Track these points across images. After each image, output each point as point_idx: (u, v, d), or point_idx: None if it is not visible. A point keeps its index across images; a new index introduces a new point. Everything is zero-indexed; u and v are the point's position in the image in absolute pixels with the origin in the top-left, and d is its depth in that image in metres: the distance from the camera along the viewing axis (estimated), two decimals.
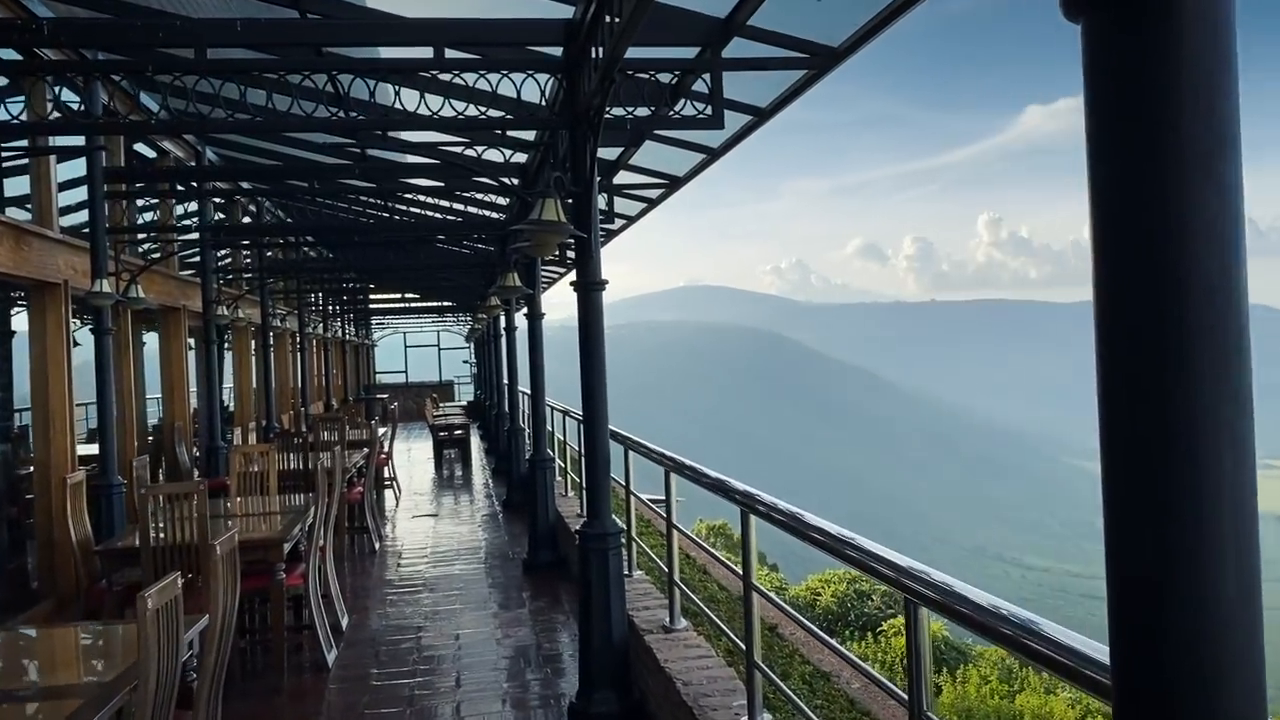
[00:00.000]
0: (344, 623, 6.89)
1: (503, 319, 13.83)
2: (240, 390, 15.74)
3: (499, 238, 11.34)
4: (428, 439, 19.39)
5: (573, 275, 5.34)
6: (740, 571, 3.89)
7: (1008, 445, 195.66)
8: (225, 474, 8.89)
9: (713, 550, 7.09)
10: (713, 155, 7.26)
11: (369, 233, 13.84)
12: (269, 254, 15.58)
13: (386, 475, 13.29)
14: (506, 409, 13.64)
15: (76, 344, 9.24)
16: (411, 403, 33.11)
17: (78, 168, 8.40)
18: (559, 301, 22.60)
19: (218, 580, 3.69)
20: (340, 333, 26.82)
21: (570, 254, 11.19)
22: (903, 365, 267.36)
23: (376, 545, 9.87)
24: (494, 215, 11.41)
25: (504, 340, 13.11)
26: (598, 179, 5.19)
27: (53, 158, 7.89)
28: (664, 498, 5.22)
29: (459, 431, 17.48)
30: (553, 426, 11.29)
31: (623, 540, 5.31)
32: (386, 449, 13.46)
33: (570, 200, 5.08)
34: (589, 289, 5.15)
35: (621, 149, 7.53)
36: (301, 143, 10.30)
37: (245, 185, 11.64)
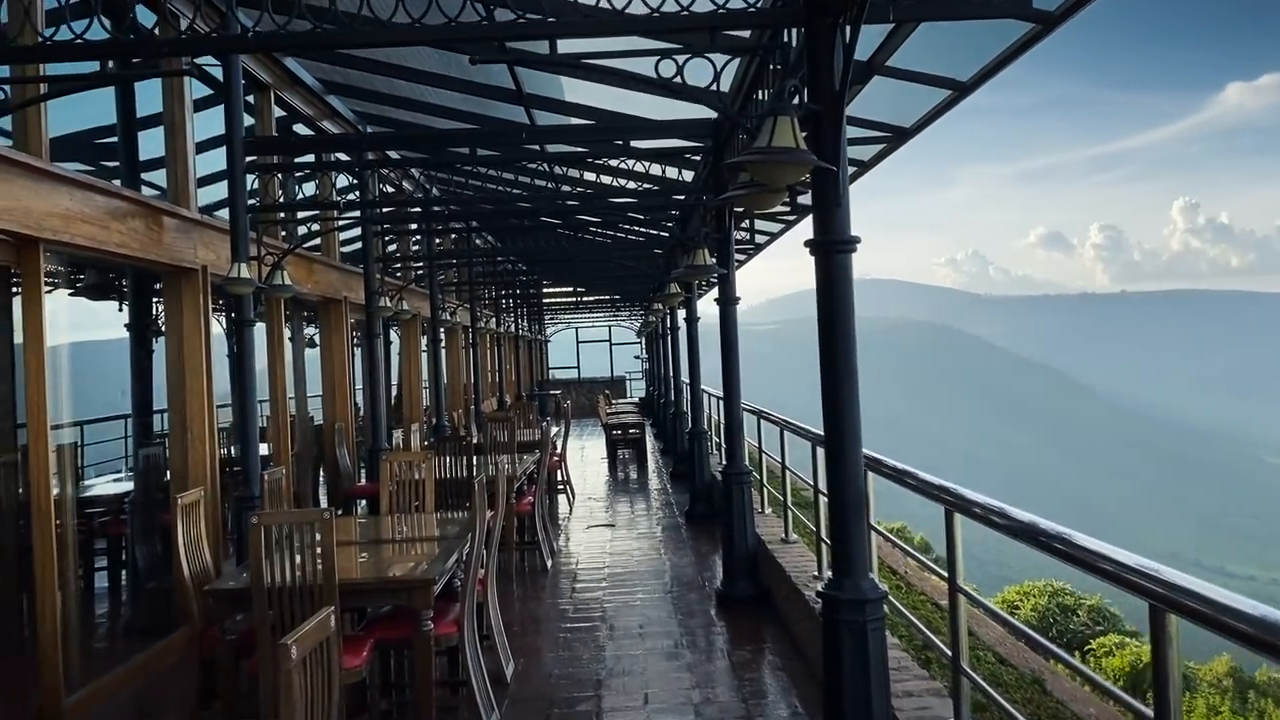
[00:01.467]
0: (508, 671, 5.65)
1: (680, 312, 13.19)
2: (409, 388, 15.13)
3: (682, 215, 10.53)
4: (600, 437, 18.53)
5: (793, 237, 5.81)
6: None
7: (1205, 444, 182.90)
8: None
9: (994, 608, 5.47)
10: (961, 90, 5.57)
11: (537, 214, 12.99)
12: (437, 243, 14.82)
13: (560, 479, 12.26)
14: (686, 408, 13.06)
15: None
16: (584, 399, 32.78)
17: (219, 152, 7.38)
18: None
19: (290, 689, 2.42)
20: (513, 328, 26.37)
21: (773, 220, 10.42)
22: (1090, 361, 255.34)
23: (548, 562, 8.71)
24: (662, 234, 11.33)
25: (683, 332, 12.30)
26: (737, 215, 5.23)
27: (190, 124, 7.04)
28: (940, 546, 3.86)
29: (634, 431, 16.36)
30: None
31: (884, 608, 3.77)
32: (560, 450, 12.40)
33: (714, 244, 4.92)
34: (832, 250, 3.69)
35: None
36: (459, 114, 9.64)
37: (393, 154, 10.58)
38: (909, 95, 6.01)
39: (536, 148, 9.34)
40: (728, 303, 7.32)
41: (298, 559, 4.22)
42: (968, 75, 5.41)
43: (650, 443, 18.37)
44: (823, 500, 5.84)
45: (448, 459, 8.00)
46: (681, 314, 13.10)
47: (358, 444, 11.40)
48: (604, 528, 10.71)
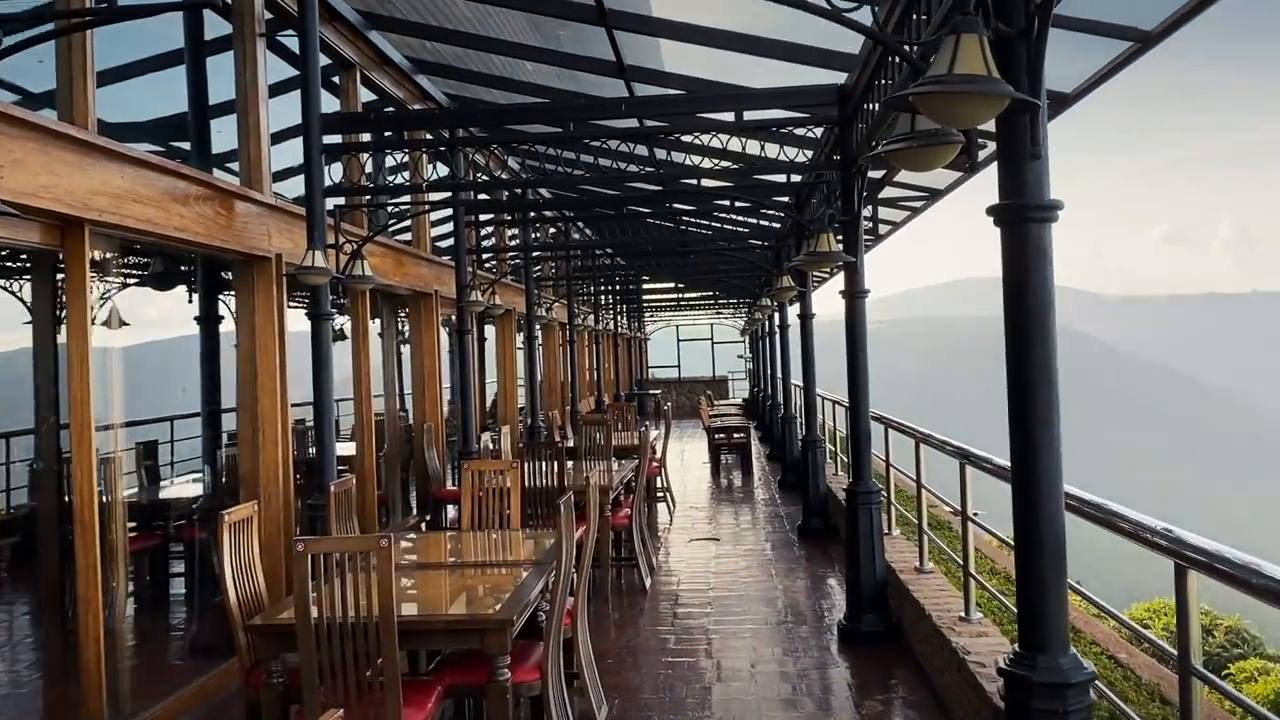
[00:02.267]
0: (600, 716, 4.90)
1: (793, 308, 13.05)
2: (504, 387, 14.63)
3: (775, 248, 11.70)
4: (701, 439, 17.75)
5: (838, 283, 6.30)
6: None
7: None
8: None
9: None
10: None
11: (637, 197, 12.45)
12: (534, 236, 14.20)
13: (659, 486, 11.51)
14: (796, 413, 12.79)
15: (342, 337, 8.41)
16: (684, 398, 32.20)
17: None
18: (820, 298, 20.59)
19: None
20: (611, 325, 25.79)
21: (896, 208, 10.85)
22: (1219, 364, 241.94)
23: (647, 581, 7.91)
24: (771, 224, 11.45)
25: (795, 330, 11.68)
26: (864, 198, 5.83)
27: (263, 105, 6.51)
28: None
29: (738, 435, 15.44)
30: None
31: (1091, 693, 2.92)
32: (660, 454, 11.66)
33: (839, 227, 6.22)
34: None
35: (882, 172, 7.32)
36: (553, 91, 9.31)
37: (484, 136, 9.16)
38: (1075, 52, 5.03)
39: (635, 123, 8.55)
40: (855, 295, 6.39)
41: (349, 593, 3.54)
42: (1153, 24, 4.45)
43: (755, 447, 17.46)
44: (972, 528, 5.14)
45: (539, 464, 7.30)
46: (793, 310, 12.52)
47: (449, 444, 10.88)
48: (708, 541, 9.89)
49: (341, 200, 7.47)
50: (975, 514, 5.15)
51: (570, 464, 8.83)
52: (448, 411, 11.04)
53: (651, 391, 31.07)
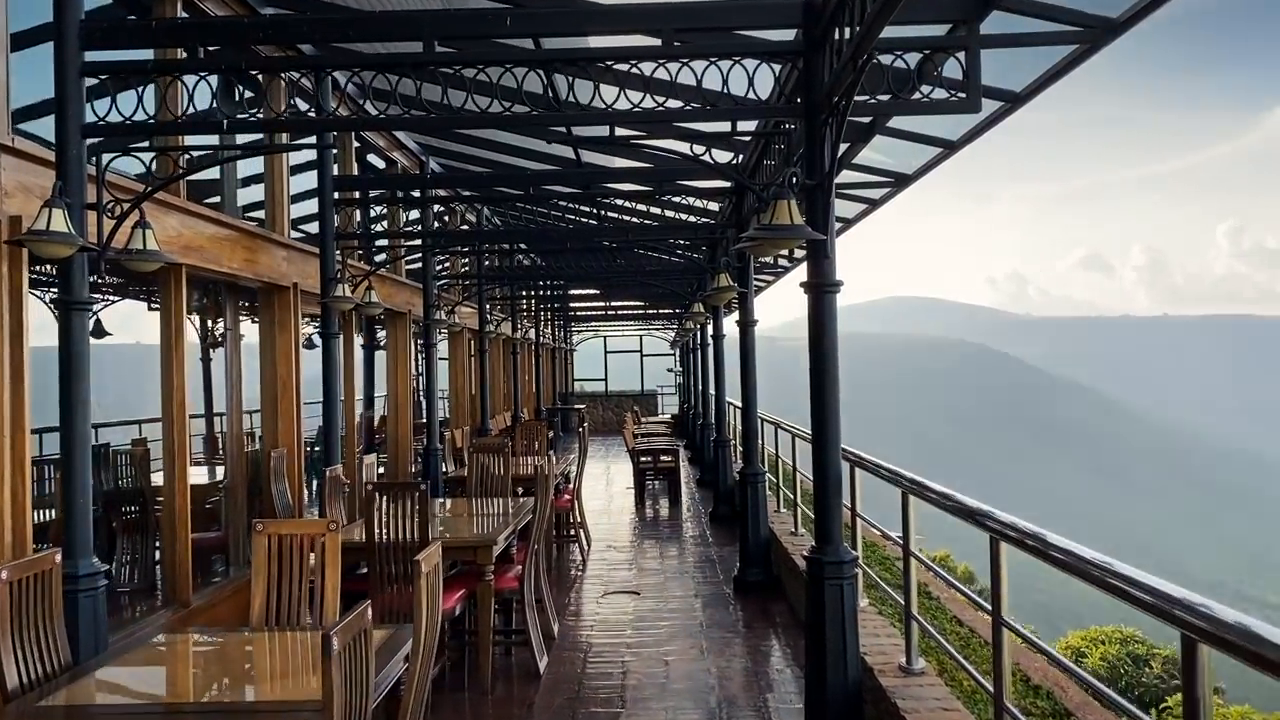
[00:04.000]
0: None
1: (709, 329, 13.19)
2: (395, 402, 12.70)
3: (709, 242, 11.47)
4: (628, 457, 15.83)
5: (794, 276, 6.38)
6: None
7: (1249, 472, 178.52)
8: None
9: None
10: (950, 148, 6.65)
11: (579, 237, 14.06)
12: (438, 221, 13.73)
13: (572, 520, 9.76)
14: (739, 441, 11.81)
15: (312, 346, 9.54)
16: (611, 414, 30.53)
17: (307, 181, 8.94)
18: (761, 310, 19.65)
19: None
20: (533, 334, 23.88)
21: (784, 259, 11.96)
22: (1131, 384, 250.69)
23: (541, 663, 6.11)
24: (702, 220, 11.40)
25: (711, 349, 12.73)
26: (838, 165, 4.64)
27: (286, 167, 8.36)
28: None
29: (667, 459, 13.74)
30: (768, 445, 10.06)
31: (857, 570, 4.70)
32: (573, 485, 9.91)
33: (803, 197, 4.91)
34: (823, 291, 4.70)
35: (847, 145, 6.74)
36: (517, 149, 10.58)
37: (464, 192, 12.51)
38: (910, 148, 6.96)
39: (585, 186, 10.72)
40: (746, 325, 8.38)
41: None
42: (956, 136, 6.43)
43: (685, 469, 15.80)
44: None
45: (403, 505, 5.44)
46: (731, 318, 13.09)
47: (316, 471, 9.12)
48: (626, 595, 8.15)
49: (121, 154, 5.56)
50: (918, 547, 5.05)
51: (447, 505, 7.06)
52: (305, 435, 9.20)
53: (576, 406, 29.27)
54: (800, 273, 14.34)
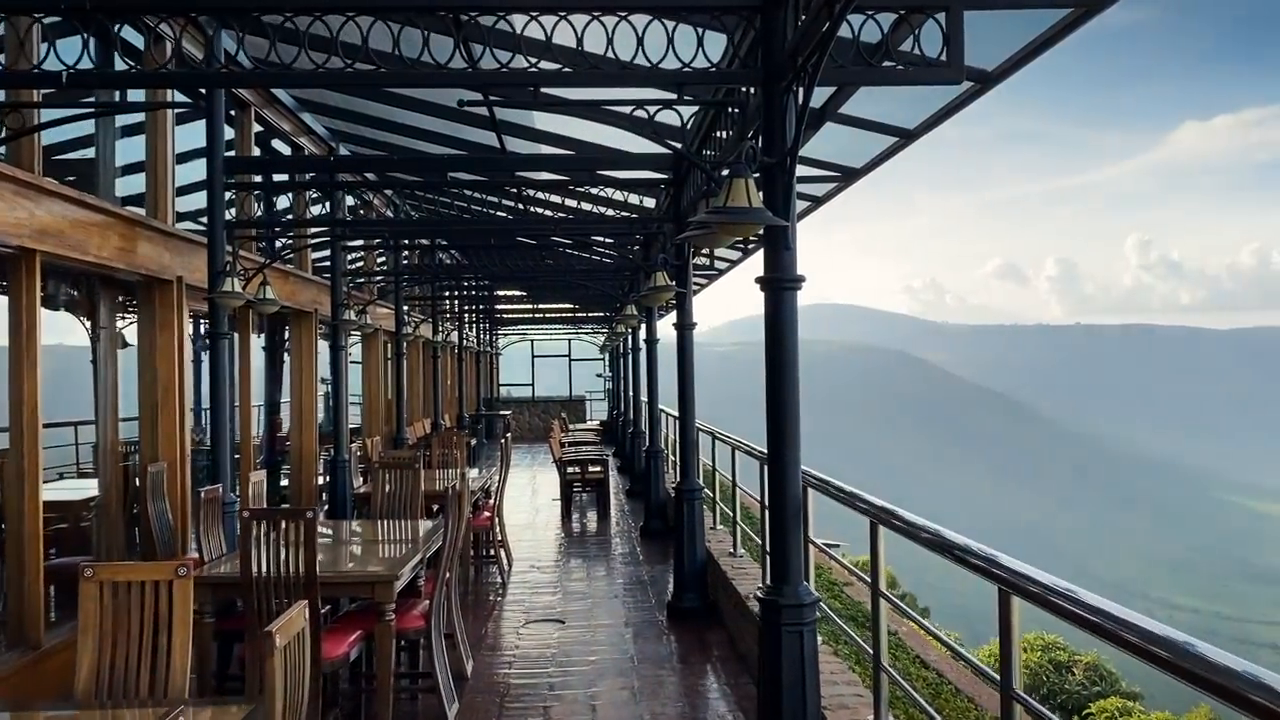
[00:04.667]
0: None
1: (641, 333, 12.82)
2: (300, 409, 11.75)
3: (644, 239, 10.79)
4: (555, 469, 15.04)
5: (743, 272, 6.31)
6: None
7: (1155, 477, 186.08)
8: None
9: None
10: (907, 138, 6.14)
11: (502, 233, 13.09)
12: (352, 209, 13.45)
13: (493, 538, 9.00)
14: (676, 456, 11.14)
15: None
16: (538, 420, 29.65)
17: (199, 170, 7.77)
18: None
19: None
20: (456, 336, 22.92)
21: (728, 254, 11.36)
22: (1044, 390, 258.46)
23: (450, 710, 5.33)
24: (635, 217, 10.88)
25: (644, 354, 12.40)
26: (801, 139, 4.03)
27: (170, 147, 7.52)
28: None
29: (594, 469, 13.02)
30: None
31: (817, 612, 4.04)
32: (494, 503, 9.16)
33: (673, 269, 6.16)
34: (781, 287, 4.01)
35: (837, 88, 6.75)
36: (435, 135, 9.80)
37: (372, 177, 11.20)
38: (861, 138, 6.41)
39: (508, 174, 9.58)
40: (684, 327, 7.57)
41: None
42: (914, 124, 5.90)
43: (614, 479, 15.10)
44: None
45: (280, 535, 4.61)
46: (642, 334, 12.87)
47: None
48: (549, 624, 7.41)
49: None
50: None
51: (353, 527, 6.27)
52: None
53: (502, 412, 28.34)
54: (737, 275, 13.55)
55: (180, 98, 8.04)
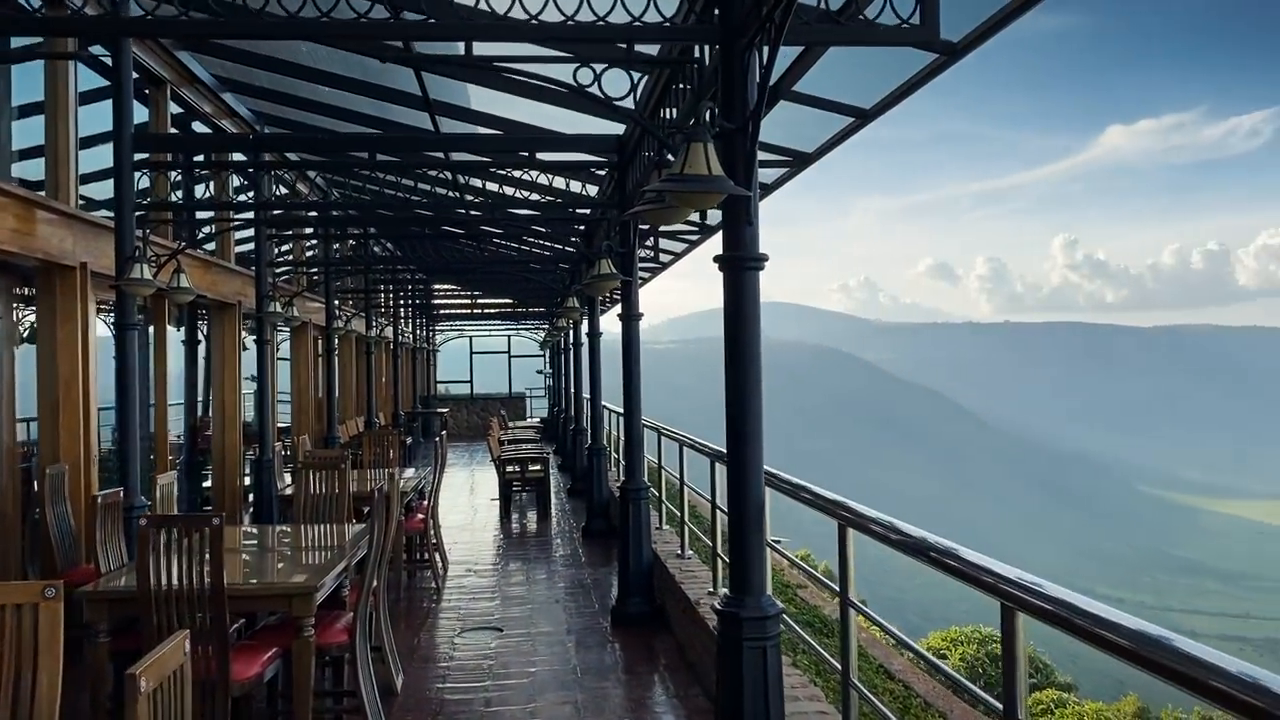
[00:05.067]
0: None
1: (583, 326, 12.77)
2: (222, 407, 11.12)
3: (585, 230, 10.60)
4: (494, 468, 14.54)
5: (695, 257, 6.59)
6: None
7: (1082, 471, 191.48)
8: None
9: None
10: (863, 118, 5.80)
11: (440, 222, 12.34)
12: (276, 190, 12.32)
13: (428, 541, 8.54)
14: (619, 453, 11.41)
15: None
16: (476, 418, 29.02)
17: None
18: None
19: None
20: (391, 331, 22.26)
21: (676, 237, 11.06)
22: (974, 387, 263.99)
23: None
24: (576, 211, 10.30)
25: (585, 348, 12.65)
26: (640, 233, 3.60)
27: (73, 121, 6.97)
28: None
29: (534, 468, 12.59)
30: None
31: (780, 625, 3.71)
32: (429, 504, 8.71)
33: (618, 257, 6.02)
34: (743, 266, 3.65)
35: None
36: (366, 118, 9.31)
37: (293, 156, 10.53)
38: (813, 121, 6.15)
39: (441, 155, 8.95)
40: (630, 318, 7.22)
41: None
42: (871, 103, 5.59)
43: (555, 478, 14.68)
44: (720, 516, 5.73)
45: (186, 542, 4.13)
46: (584, 328, 12.86)
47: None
48: (486, 632, 6.99)
49: None
50: (723, 508, 4.82)
51: (277, 533, 5.82)
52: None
53: (439, 410, 27.67)
54: (677, 271, 13.24)
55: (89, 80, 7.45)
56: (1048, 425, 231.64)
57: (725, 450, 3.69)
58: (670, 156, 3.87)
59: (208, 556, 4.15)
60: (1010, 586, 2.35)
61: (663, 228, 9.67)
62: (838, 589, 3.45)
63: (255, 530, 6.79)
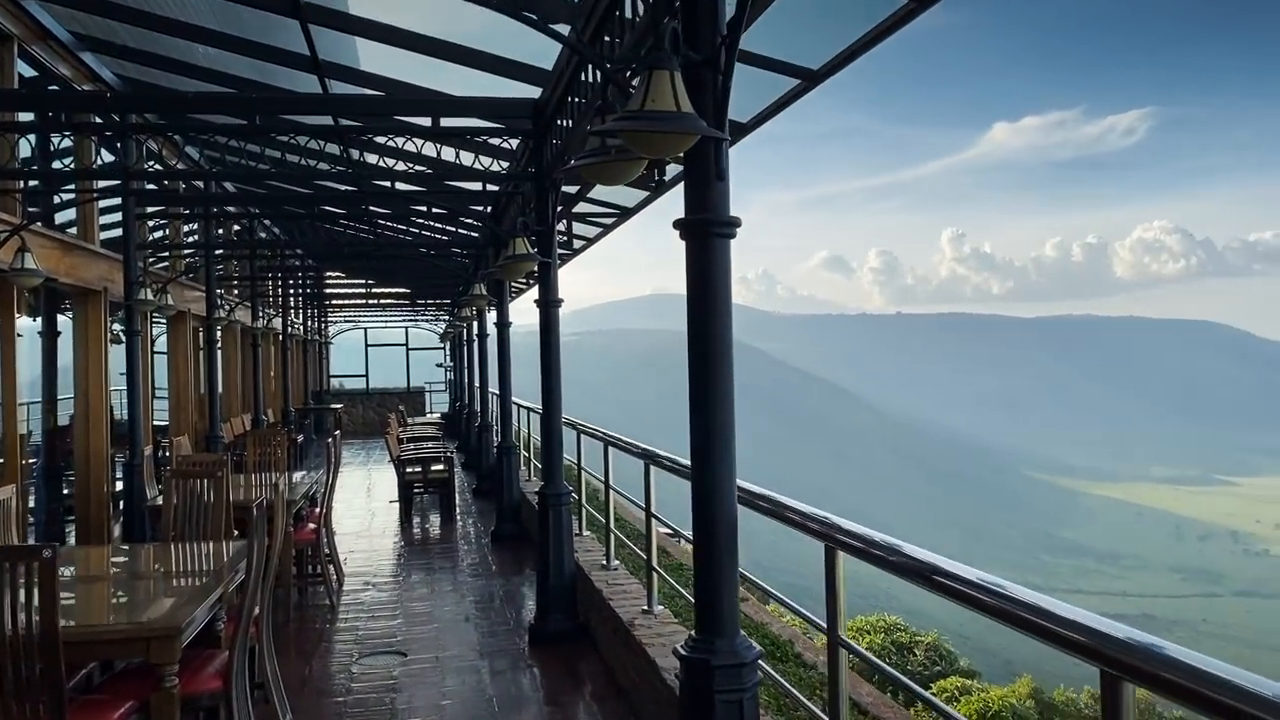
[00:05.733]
0: None
1: (490, 315, 12.42)
2: (85, 403, 9.98)
3: (496, 211, 10.11)
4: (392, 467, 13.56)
5: (535, 294, 6.19)
6: None
7: (970, 457, 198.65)
8: None
9: None
10: (811, 80, 5.37)
11: (329, 200, 11.46)
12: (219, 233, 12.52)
13: (320, 552, 7.70)
14: (532, 454, 12.31)
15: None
16: (373, 413, 27.87)
17: None
18: (526, 307, 18.55)
19: None
20: (280, 323, 21.00)
21: (589, 224, 10.76)
22: (868, 377, 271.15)
23: None
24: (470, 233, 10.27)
25: (492, 339, 12.33)
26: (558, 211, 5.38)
27: None
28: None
29: (437, 468, 11.75)
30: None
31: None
32: (323, 510, 7.87)
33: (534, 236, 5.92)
34: (710, 232, 3.04)
35: (579, 186, 7.36)
36: (242, 83, 8.44)
37: (150, 118, 8.54)
38: (755, 83, 5.50)
39: (330, 120, 8.00)
40: (550, 304, 6.49)
41: None
42: (820, 62, 5.08)
43: (459, 476, 13.86)
44: (656, 525, 5.45)
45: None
46: (491, 318, 12.27)
47: None
48: (389, 657, 6.22)
49: None
50: (658, 515, 5.21)
51: (145, 552, 4.99)
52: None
53: (333, 406, 26.41)
54: (577, 262, 12.52)
55: None
56: (940, 413, 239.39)
57: (690, 463, 3.06)
58: (605, 115, 3.19)
59: (36, 594, 3.33)
60: (1113, 649, 1.76)
61: (581, 205, 8.97)
62: (824, 625, 2.83)
63: (122, 550, 5.86)
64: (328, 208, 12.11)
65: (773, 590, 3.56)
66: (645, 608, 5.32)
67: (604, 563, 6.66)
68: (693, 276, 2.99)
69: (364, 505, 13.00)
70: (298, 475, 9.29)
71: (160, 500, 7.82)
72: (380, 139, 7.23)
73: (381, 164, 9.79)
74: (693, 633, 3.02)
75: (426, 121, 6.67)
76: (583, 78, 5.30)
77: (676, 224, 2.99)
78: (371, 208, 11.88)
